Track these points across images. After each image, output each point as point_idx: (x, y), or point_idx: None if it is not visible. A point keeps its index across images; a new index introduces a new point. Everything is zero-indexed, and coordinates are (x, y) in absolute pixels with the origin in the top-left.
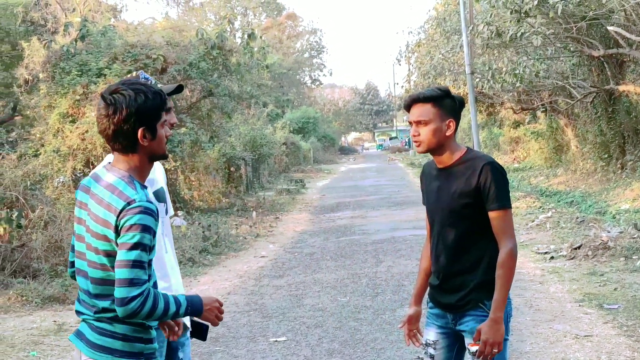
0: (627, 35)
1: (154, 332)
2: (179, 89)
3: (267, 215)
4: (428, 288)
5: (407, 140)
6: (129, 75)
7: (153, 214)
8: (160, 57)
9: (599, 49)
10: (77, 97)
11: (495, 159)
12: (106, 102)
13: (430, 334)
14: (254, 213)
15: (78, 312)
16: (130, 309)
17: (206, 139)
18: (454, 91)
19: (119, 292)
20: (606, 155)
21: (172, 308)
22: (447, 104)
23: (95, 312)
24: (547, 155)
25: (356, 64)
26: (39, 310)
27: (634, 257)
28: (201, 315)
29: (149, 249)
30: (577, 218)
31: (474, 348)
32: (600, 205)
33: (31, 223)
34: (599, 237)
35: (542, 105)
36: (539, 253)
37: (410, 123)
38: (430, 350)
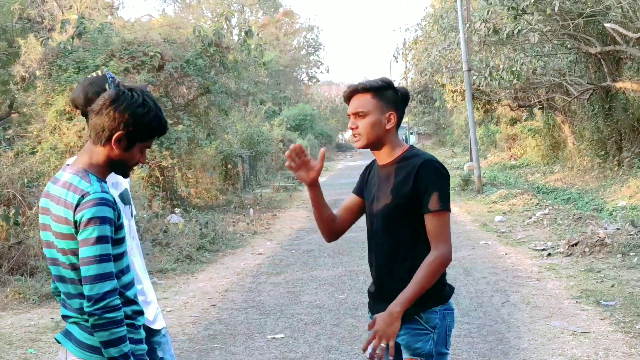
0: (624, 32)
1: (143, 333)
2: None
3: (264, 213)
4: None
5: (403, 138)
6: (93, 74)
7: (109, 203)
8: (157, 54)
9: (595, 46)
10: None
11: (436, 158)
12: (117, 90)
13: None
14: (251, 210)
15: (65, 317)
16: (105, 305)
17: (203, 136)
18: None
19: (89, 290)
20: (603, 152)
21: (127, 345)
22: (388, 96)
23: (82, 313)
24: (544, 152)
25: (353, 61)
26: (36, 308)
27: (631, 254)
28: None
29: (111, 240)
30: (574, 215)
31: None
32: (597, 202)
33: (28, 220)
34: (596, 234)
35: (539, 102)
36: (536, 250)
37: (349, 115)
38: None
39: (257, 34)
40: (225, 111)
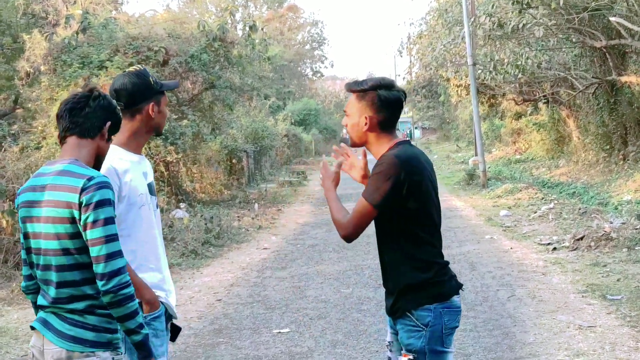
0: (630, 25)
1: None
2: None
3: (269, 207)
4: None
5: (408, 132)
6: (132, 69)
7: (110, 186)
8: (161, 49)
9: (601, 40)
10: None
11: (403, 155)
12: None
13: (388, 335)
14: (256, 205)
15: (41, 306)
16: (119, 281)
17: (208, 131)
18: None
19: (104, 268)
20: (608, 147)
21: (141, 316)
22: (370, 99)
23: (65, 302)
24: (549, 146)
25: (358, 56)
26: None
27: (636, 248)
28: None
29: (114, 220)
30: (580, 209)
31: (404, 359)
32: (603, 197)
33: None
34: (601, 228)
35: (544, 96)
36: (541, 244)
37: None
38: (388, 353)
39: (262, 29)
40: (229, 106)
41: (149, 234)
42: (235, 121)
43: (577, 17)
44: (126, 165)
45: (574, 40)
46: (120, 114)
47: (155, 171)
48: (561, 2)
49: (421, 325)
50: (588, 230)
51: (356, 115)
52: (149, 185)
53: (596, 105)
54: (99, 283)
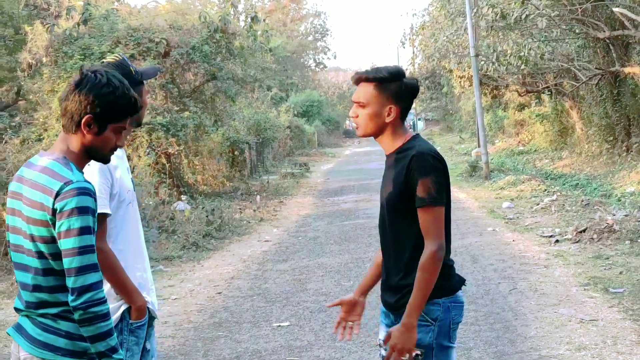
0: (633, 16)
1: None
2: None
3: (271, 200)
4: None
5: (411, 124)
6: (108, 59)
7: (91, 193)
8: (163, 40)
9: (604, 31)
10: None
11: (432, 149)
12: (80, 74)
13: (381, 333)
14: (258, 197)
15: (17, 310)
16: (90, 298)
17: (210, 122)
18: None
19: (73, 282)
20: (611, 138)
21: (114, 338)
22: (392, 88)
23: (36, 307)
24: (552, 138)
25: (360, 47)
26: None
27: (639, 240)
28: None
29: (93, 231)
30: (582, 201)
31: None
32: (606, 188)
33: None
34: (604, 220)
35: (547, 87)
36: (543, 236)
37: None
38: (382, 351)
39: (264, 20)
40: (231, 98)
41: (135, 231)
42: (237, 113)
43: (581, 8)
44: (115, 161)
45: (577, 31)
46: (118, 101)
47: (156, 163)
48: None
49: (430, 320)
50: (591, 222)
51: (376, 105)
52: (132, 180)
53: (599, 96)
54: (69, 297)
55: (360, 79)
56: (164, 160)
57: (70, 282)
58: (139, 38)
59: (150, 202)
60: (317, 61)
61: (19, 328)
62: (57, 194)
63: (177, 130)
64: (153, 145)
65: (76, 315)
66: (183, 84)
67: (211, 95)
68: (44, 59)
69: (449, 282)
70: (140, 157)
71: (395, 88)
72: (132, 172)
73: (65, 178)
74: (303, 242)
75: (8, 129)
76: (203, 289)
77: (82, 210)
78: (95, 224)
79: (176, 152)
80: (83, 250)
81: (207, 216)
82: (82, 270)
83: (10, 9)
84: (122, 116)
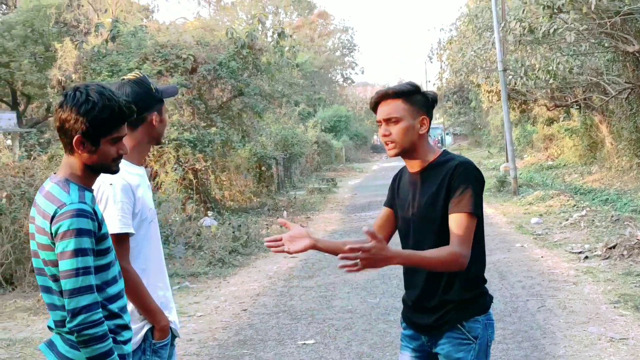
0: None
1: (126, 348)
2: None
3: (298, 215)
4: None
5: (439, 139)
6: (129, 75)
7: (86, 214)
8: (190, 56)
9: (633, 45)
10: None
11: (472, 162)
12: (64, 94)
13: (405, 357)
14: (285, 213)
15: (50, 328)
16: (83, 320)
17: (237, 138)
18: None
19: (67, 304)
20: None
21: (115, 358)
22: (419, 100)
23: (63, 325)
24: (581, 152)
25: (388, 62)
26: None
27: None
28: None
29: (90, 252)
30: (612, 216)
31: None
32: (636, 204)
33: None
34: (634, 236)
35: (576, 102)
36: (572, 253)
37: (379, 122)
38: None
39: (290, 36)
40: (259, 113)
41: (156, 250)
42: (264, 128)
43: (609, 22)
44: (137, 180)
45: (606, 45)
46: (102, 114)
47: (183, 179)
48: (593, 7)
49: (471, 338)
50: (621, 238)
51: (409, 119)
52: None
53: (629, 110)
54: (67, 319)
55: (386, 95)
56: (191, 176)
57: (65, 303)
58: (166, 54)
59: (177, 218)
60: (345, 76)
61: (50, 345)
62: (52, 218)
63: (204, 146)
64: (180, 161)
65: (73, 337)
66: (210, 99)
67: (238, 111)
68: (73, 76)
69: (484, 299)
70: (167, 173)
71: (421, 99)
72: (160, 187)
73: (60, 201)
74: (329, 258)
75: (37, 145)
76: (228, 305)
77: (75, 232)
78: (94, 244)
79: (203, 168)
80: (76, 272)
81: (233, 232)
82: (75, 293)
83: (40, 27)
84: (111, 127)
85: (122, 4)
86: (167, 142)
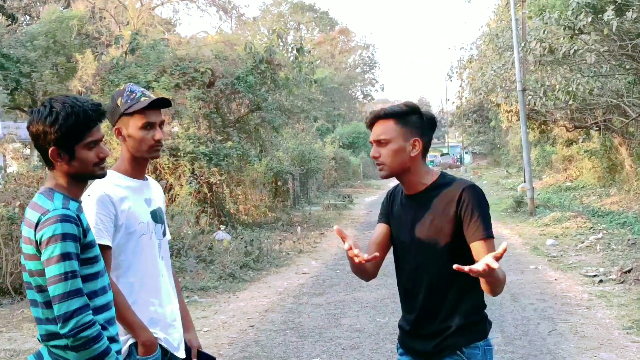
0: None
1: None
2: (161, 103)
3: (312, 231)
4: (399, 331)
5: (458, 157)
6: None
7: (70, 219)
8: (208, 70)
9: None
10: None
11: (475, 186)
12: (30, 112)
13: None
14: (299, 228)
15: (39, 340)
16: (75, 324)
17: (254, 152)
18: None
19: (58, 309)
20: None
21: (113, 355)
22: (413, 121)
23: (48, 339)
24: (600, 174)
25: (408, 80)
26: None
27: None
28: None
29: (76, 257)
30: (629, 240)
31: None
32: None
33: None
34: None
35: (596, 123)
36: (587, 276)
37: (372, 143)
38: None
39: (309, 52)
40: (275, 128)
41: (150, 264)
42: (281, 143)
43: (631, 44)
44: (123, 193)
45: (627, 67)
46: (67, 122)
47: (198, 192)
48: (614, 28)
49: None
50: (637, 262)
51: (400, 140)
52: (154, 213)
53: None
54: (58, 326)
55: (377, 117)
56: (205, 190)
57: (55, 310)
58: (184, 67)
59: (189, 232)
60: (365, 93)
61: (39, 356)
62: (37, 225)
63: (219, 159)
64: (195, 174)
65: (68, 343)
66: (227, 113)
67: (255, 125)
68: (93, 87)
69: (484, 324)
70: (182, 185)
71: (416, 121)
72: (174, 200)
73: (43, 208)
74: (341, 275)
75: None
76: (236, 321)
77: (60, 237)
78: (79, 249)
79: (218, 182)
80: (65, 277)
81: (245, 247)
82: (65, 297)
83: (62, 38)
84: (81, 133)
85: (144, 17)
86: (182, 155)
